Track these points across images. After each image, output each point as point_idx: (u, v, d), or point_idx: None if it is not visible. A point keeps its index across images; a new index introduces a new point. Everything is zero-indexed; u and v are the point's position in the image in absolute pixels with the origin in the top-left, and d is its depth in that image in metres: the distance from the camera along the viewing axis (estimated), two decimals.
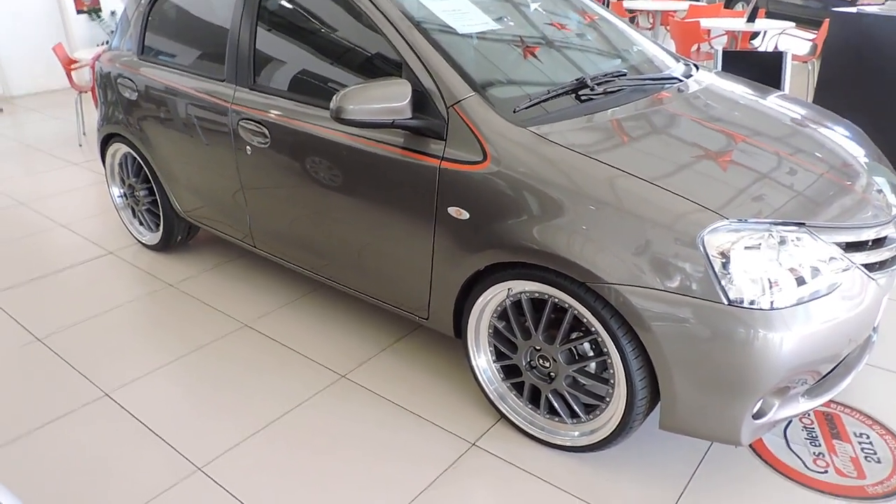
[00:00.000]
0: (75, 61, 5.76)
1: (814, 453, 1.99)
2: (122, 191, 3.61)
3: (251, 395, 2.36)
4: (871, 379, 2.32)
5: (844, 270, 1.71)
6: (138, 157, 3.28)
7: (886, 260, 1.86)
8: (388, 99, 1.94)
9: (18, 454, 2.11)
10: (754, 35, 6.97)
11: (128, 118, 3.21)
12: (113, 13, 8.28)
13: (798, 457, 1.98)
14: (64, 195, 4.48)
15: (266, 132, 2.47)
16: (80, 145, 5.65)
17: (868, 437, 2.05)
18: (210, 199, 2.97)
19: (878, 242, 1.86)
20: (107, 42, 7.92)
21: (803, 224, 1.70)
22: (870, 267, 1.80)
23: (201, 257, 3.44)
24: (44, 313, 2.96)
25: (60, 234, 3.82)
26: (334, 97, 1.94)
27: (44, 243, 3.72)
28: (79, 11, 8.03)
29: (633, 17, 9.11)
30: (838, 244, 1.74)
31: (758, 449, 2.02)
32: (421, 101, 2.00)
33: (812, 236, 1.69)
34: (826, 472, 1.92)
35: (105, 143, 3.50)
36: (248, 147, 2.57)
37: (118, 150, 3.45)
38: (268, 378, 2.45)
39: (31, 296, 3.13)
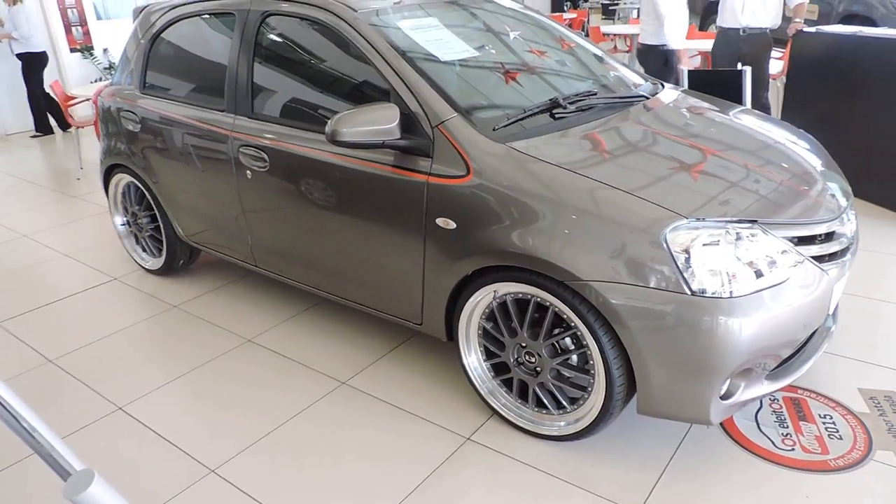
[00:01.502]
0: (72, 98, 5.95)
1: (782, 434, 2.16)
2: (124, 219, 3.76)
3: (258, 404, 2.50)
4: (836, 366, 2.50)
5: (797, 263, 1.90)
6: (141, 186, 3.45)
7: (836, 252, 2.05)
8: (379, 122, 2.13)
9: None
10: None
11: (131, 149, 3.39)
12: (105, 51, 8.51)
13: (768, 437, 2.14)
14: (66, 226, 4.64)
15: (265, 157, 2.65)
16: (78, 179, 5.81)
17: (831, 418, 2.22)
18: (212, 222, 3.14)
19: (828, 237, 2.05)
20: (100, 79, 8.14)
21: (756, 221, 1.89)
22: (820, 259, 1.98)
23: (203, 280, 3.59)
24: (54, 337, 3.09)
25: (65, 263, 3.96)
26: (329, 121, 2.12)
27: (49, 272, 3.86)
28: (72, 50, 8.27)
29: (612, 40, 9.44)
30: (790, 239, 1.93)
31: (731, 431, 2.18)
32: (408, 122, 2.19)
33: (765, 232, 1.88)
34: (793, 449, 2.09)
35: (108, 174, 3.66)
36: (248, 172, 2.75)
37: (121, 180, 3.61)
38: (273, 387, 2.60)
39: (40, 321, 3.26)
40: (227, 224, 3.04)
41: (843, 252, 2.08)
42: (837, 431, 2.16)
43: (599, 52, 3.05)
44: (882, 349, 2.61)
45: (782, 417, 2.23)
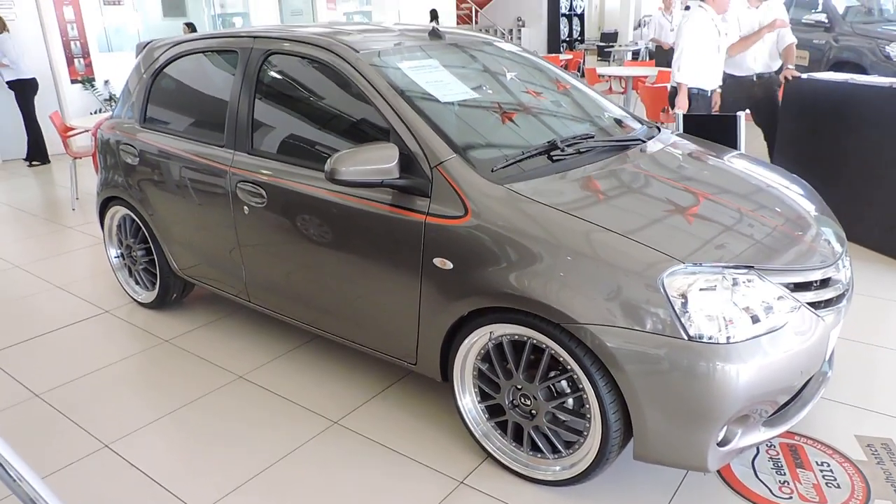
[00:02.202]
0: (71, 129, 5.98)
1: (779, 481, 2.13)
2: (119, 251, 3.75)
3: (248, 442, 2.46)
4: (832, 412, 2.48)
5: (793, 309, 1.90)
6: (137, 219, 3.44)
7: (832, 299, 2.05)
8: (378, 161, 2.14)
9: None
10: None
11: (128, 182, 3.39)
12: (106, 82, 8.59)
13: (765, 485, 2.11)
14: (59, 257, 4.61)
15: (263, 193, 2.66)
16: (73, 209, 5.80)
17: (829, 466, 2.19)
18: (207, 256, 3.13)
19: (824, 283, 2.06)
20: (100, 110, 8.20)
21: (752, 267, 1.89)
22: (816, 305, 1.99)
23: (196, 314, 3.56)
24: (42, 370, 3.05)
25: (56, 295, 3.92)
26: (328, 160, 2.14)
27: (40, 304, 3.82)
28: (73, 81, 8.34)
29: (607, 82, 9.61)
30: (786, 285, 1.93)
31: (728, 478, 2.15)
32: (407, 162, 2.21)
33: (761, 278, 1.88)
34: (791, 498, 2.06)
35: (104, 205, 3.66)
36: (245, 207, 2.75)
37: (117, 212, 3.61)
38: (263, 426, 2.56)
39: (28, 354, 3.22)
40: (222, 259, 3.02)
41: (838, 298, 2.09)
42: (835, 479, 2.13)
43: (596, 95, 3.09)
44: (878, 395, 2.59)
45: (779, 464, 2.21)
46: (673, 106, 4.97)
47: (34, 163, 7.70)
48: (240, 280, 2.99)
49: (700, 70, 4.64)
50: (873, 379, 2.72)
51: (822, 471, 2.17)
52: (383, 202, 2.28)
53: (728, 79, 5.03)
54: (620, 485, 2.16)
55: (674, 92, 4.93)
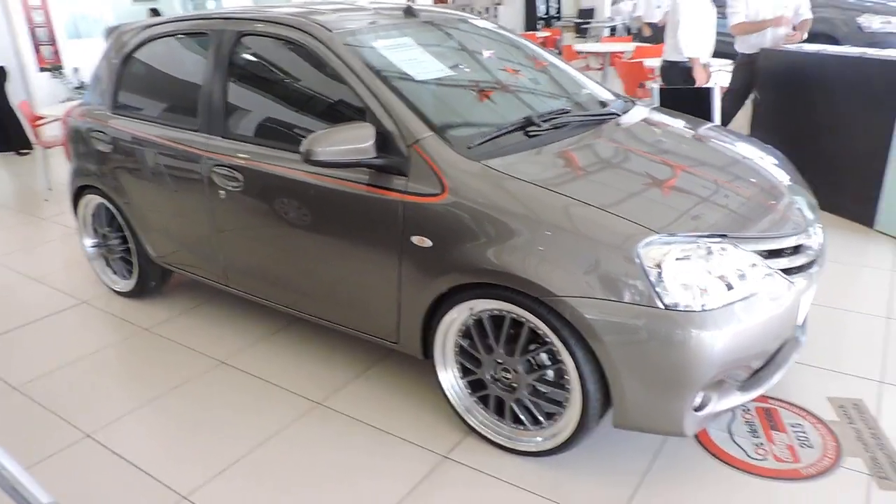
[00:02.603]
0: (41, 118, 5.86)
1: (755, 444, 2.19)
2: (94, 241, 3.70)
3: (232, 426, 2.46)
4: (806, 376, 2.54)
5: (766, 276, 1.93)
6: (112, 207, 3.40)
7: (804, 265, 2.09)
8: (354, 141, 2.14)
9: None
10: None
11: (101, 170, 3.34)
12: (76, 69, 8.40)
13: (741, 447, 2.17)
14: (34, 249, 4.54)
15: (239, 177, 2.64)
16: (46, 200, 5.70)
17: (802, 427, 2.26)
18: (184, 243, 3.10)
19: (796, 250, 2.10)
20: (70, 98, 8.03)
21: (726, 236, 1.92)
22: (789, 271, 2.03)
23: (175, 301, 3.53)
24: (20, 363, 3.01)
25: (33, 287, 3.87)
26: (304, 141, 2.12)
27: (16, 296, 3.77)
28: (41, 69, 8.15)
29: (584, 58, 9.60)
30: (759, 253, 1.97)
31: (705, 443, 2.21)
32: (384, 141, 2.20)
33: (735, 246, 1.91)
34: (766, 459, 2.12)
35: (77, 195, 3.60)
36: (221, 191, 2.73)
37: (91, 201, 3.55)
38: (247, 410, 2.56)
39: (5, 347, 3.18)
40: (199, 244, 3.00)
41: (810, 264, 2.13)
42: (808, 440, 2.19)
43: (572, 71, 3.09)
44: (849, 358, 2.66)
45: (755, 427, 2.27)
46: (665, 80, 4.99)
47: (22, 151, 7.53)
48: (218, 265, 2.97)
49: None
50: (844, 342, 2.80)
51: (795, 432, 2.23)
52: (360, 182, 2.28)
53: (742, 58, 4.97)
54: (601, 453, 2.20)
55: (667, 66, 4.93)
